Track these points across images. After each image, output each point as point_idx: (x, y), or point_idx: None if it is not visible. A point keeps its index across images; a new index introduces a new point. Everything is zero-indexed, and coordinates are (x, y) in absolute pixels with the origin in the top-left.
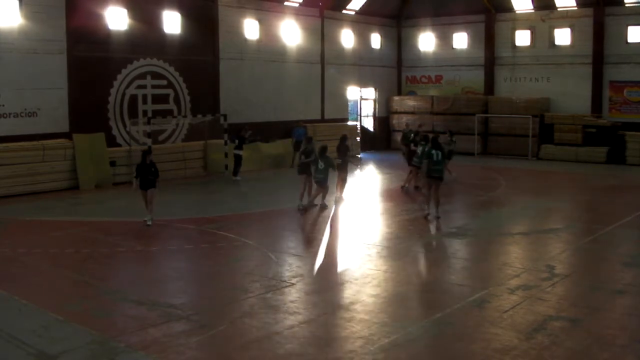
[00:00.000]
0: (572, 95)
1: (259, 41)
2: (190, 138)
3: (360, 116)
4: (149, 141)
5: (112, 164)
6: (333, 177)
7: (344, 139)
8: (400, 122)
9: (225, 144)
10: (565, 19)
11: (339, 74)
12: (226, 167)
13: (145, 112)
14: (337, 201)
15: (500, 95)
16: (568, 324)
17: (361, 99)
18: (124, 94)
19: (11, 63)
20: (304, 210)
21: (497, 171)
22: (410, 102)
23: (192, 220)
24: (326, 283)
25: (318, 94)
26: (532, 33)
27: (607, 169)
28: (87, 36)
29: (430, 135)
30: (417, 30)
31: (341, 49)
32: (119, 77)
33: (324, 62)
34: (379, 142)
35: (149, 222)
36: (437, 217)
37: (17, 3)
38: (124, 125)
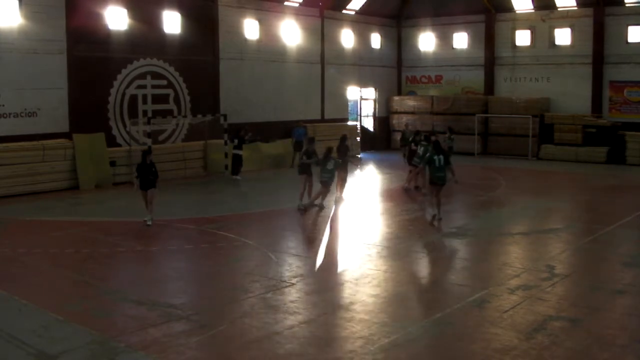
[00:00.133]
0: (572, 95)
1: (259, 41)
2: (190, 138)
3: (360, 116)
4: (149, 141)
5: (112, 164)
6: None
7: (343, 139)
8: (400, 122)
9: (225, 144)
10: (566, 19)
11: (339, 74)
12: (226, 167)
13: (145, 112)
14: (337, 201)
15: (500, 95)
16: (568, 324)
17: (361, 99)
18: (124, 94)
19: (11, 63)
20: (304, 210)
21: (497, 171)
22: (410, 102)
23: (192, 220)
24: (326, 283)
25: (318, 94)
26: (532, 33)
27: (607, 169)
28: (87, 36)
29: (433, 138)
30: (417, 30)
31: (341, 49)
32: (119, 77)
33: (324, 62)
34: (379, 142)
35: (149, 222)
36: (439, 219)
37: (17, 3)
38: (124, 125)
